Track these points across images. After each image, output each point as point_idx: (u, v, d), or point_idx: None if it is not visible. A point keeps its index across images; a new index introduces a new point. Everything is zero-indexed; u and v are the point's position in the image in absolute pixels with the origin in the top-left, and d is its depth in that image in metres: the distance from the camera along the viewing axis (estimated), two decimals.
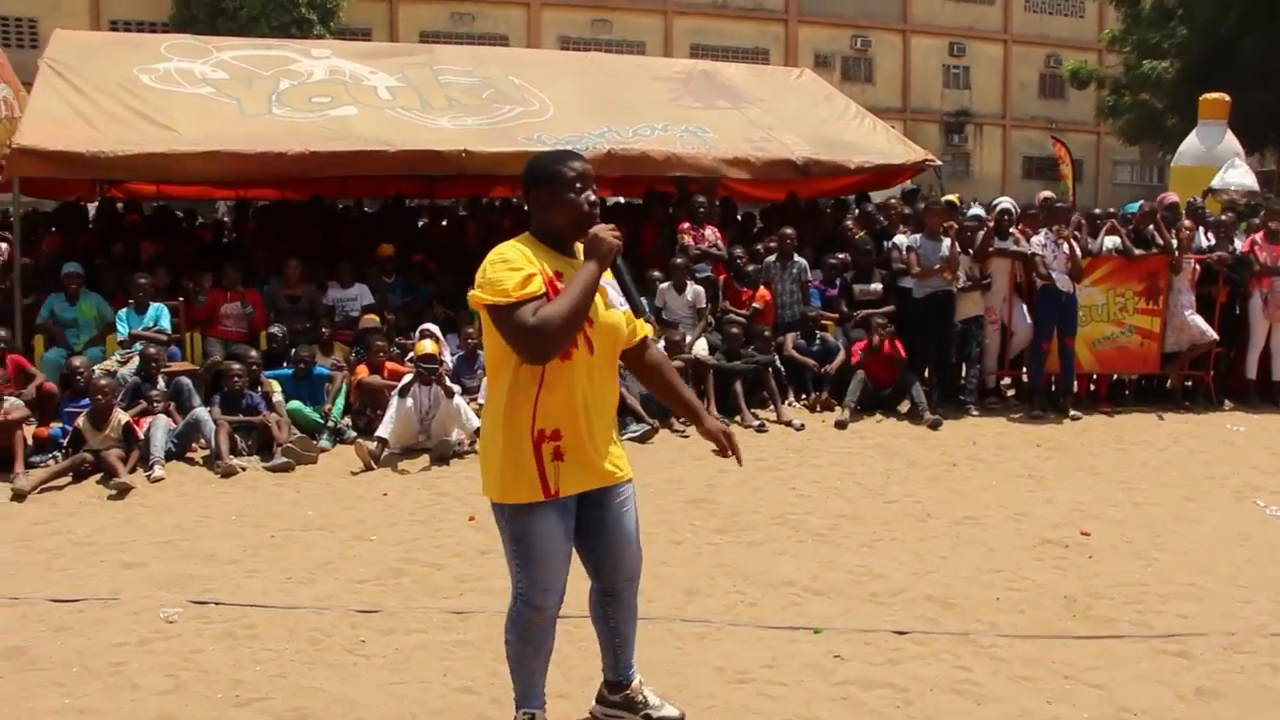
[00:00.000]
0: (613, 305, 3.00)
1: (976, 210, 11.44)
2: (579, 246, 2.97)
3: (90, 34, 16.35)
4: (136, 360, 8.36)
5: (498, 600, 4.34)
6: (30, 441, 7.25)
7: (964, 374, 9.61)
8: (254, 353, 8.53)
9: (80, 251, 10.71)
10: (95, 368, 8.15)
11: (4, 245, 11.10)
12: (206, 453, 7.58)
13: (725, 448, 3.20)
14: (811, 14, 38.38)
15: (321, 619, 4.53)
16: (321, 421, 8.26)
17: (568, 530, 2.98)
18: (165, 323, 9.02)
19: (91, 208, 13.31)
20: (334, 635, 4.37)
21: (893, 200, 11.86)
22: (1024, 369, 9.75)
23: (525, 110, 11.08)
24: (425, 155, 9.82)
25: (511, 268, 2.79)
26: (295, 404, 8.29)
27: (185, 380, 8.20)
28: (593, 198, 2.89)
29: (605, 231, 2.87)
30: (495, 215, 13.38)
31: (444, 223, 13.96)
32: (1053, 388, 9.57)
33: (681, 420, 8.66)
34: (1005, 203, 10.04)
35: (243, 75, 10.69)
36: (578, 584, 3.20)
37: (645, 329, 3.18)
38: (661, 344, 9.14)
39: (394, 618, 4.55)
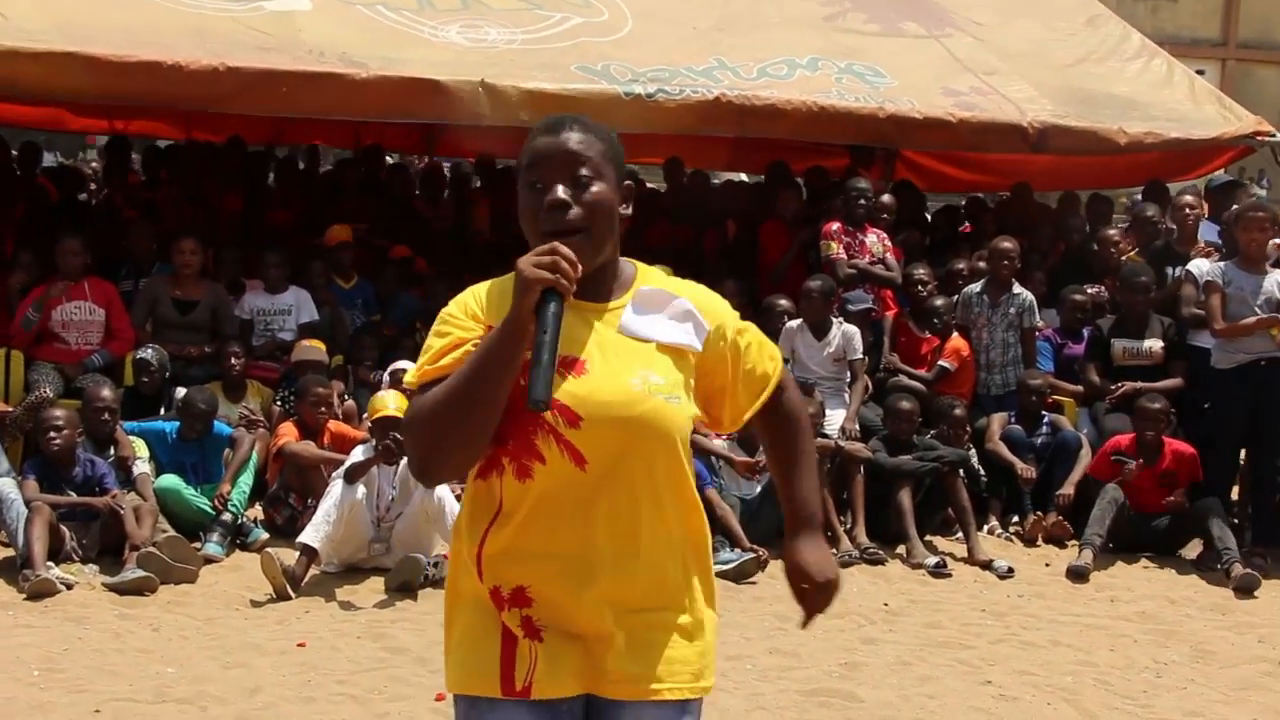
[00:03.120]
0: (652, 382, 2.94)
1: None
2: (630, 279, 3.08)
3: None
4: None
5: None
6: None
7: None
8: (108, 390, 8.50)
9: None
10: None
11: None
12: (8, 553, 7.56)
13: (802, 595, 3.23)
14: None
15: None
16: (212, 513, 8.26)
17: None
18: None
19: None
20: None
21: (1189, 199, 11.56)
22: None
23: (586, 21, 11.25)
24: (418, 87, 9.86)
25: (441, 328, 2.94)
26: (171, 480, 8.29)
27: None
28: (559, 195, 2.93)
29: (530, 259, 2.86)
30: None
31: (445, 194, 14.10)
32: None
33: None
34: None
35: None
36: None
37: (779, 370, 3.22)
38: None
39: None
